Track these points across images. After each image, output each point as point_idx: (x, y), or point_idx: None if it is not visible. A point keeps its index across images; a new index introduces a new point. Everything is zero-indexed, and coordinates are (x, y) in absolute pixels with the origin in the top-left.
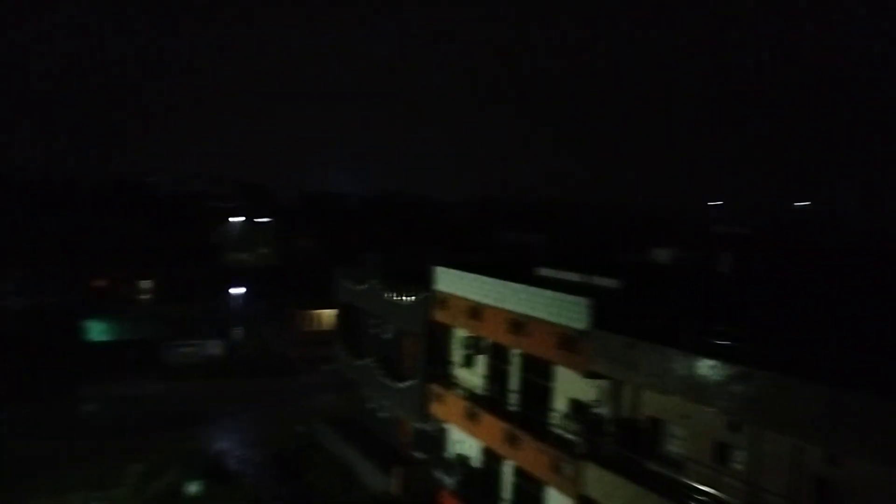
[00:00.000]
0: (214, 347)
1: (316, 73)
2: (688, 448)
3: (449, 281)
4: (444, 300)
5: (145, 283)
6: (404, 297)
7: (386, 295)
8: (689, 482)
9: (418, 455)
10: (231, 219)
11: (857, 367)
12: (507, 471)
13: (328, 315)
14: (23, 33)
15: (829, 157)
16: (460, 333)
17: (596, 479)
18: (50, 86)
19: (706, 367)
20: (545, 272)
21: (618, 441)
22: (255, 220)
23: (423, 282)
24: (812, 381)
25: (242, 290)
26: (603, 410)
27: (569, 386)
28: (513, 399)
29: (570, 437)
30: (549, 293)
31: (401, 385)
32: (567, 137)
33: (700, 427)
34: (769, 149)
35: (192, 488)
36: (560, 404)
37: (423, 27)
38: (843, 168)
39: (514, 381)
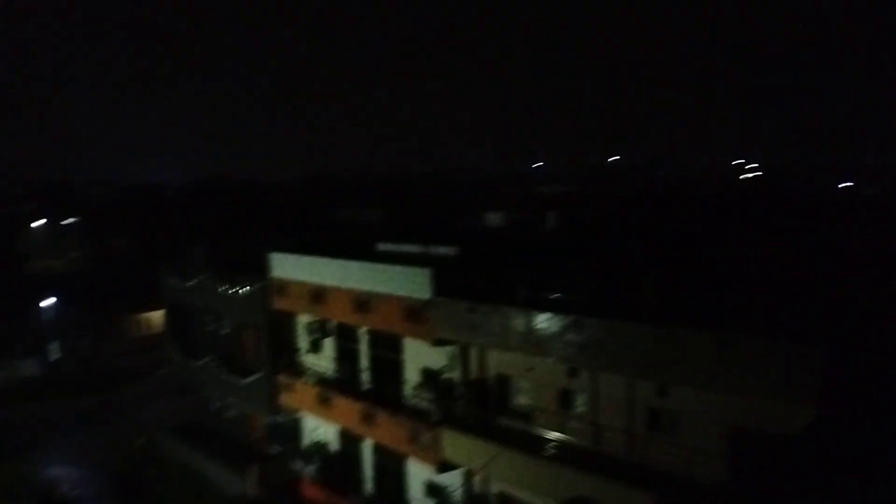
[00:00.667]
0: (29, 367)
1: (114, 55)
2: (535, 399)
3: (286, 266)
4: (282, 287)
5: None
6: (239, 289)
7: (218, 288)
8: (540, 432)
9: (273, 449)
10: (33, 222)
11: (676, 304)
12: (367, 450)
13: (156, 317)
14: None
15: (634, 113)
16: (304, 319)
17: (453, 442)
18: None
19: (541, 321)
20: (384, 247)
21: (469, 402)
22: (60, 221)
23: (257, 270)
24: (636, 322)
25: (53, 300)
26: (453, 375)
27: (418, 356)
28: (365, 378)
29: (424, 406)
30: (390, 267)
31: (246, 380)
32: (387, 110)
33: (543, 378)
34: (579, 108)
35: None
36: (412, 375)
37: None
38: (645, 123)
39: (364, 360)
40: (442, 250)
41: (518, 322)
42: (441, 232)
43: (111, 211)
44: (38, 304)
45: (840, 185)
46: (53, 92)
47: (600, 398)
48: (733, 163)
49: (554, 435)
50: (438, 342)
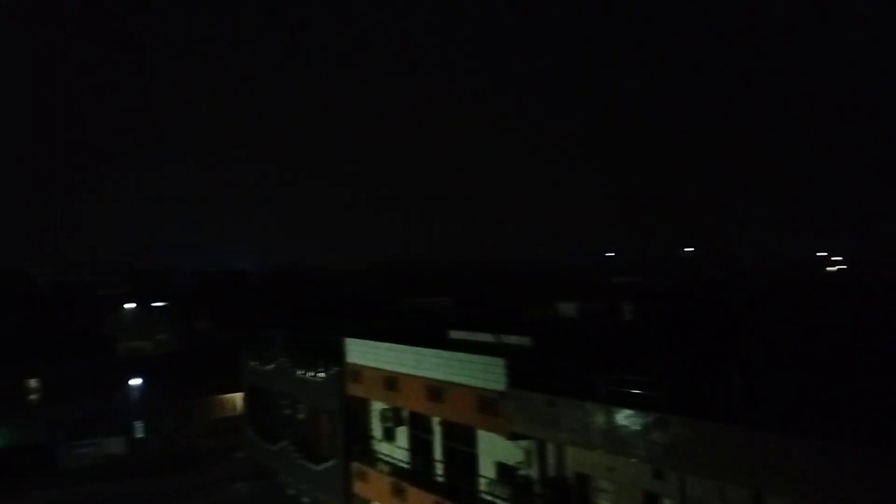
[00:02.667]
0: (115, 445)
1: (200, 147)
2: (617, 501)
3: (360, 352)
4: (357, 373)
5: (32, 382)
6: (315, 374)
7: (295, 373)
8: None
9: None
10: (123, 306)
11: (767, 405)
12: None
13: (235, 399)
14: None
15: (706, 206)
16: (378, 406)
17: None
18: None
19: (623, 418)
20: (456, 335)
21: (547, 502)
22: (149, 305)
23: (333, 355)
24: (726, 423)
25: (140, 380)
26: (529, 472)
27: (493, 450)
28: (438, 469)
29: (499, 502)
30: (462, 356)
31: (320, 467)
32: (458, 200)
33: (626, 478)
34: (653, 199)
35: None
36: (486, 470)
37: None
38: (720, 216)
39: (437, 451)
40: (515, 340)
41: (598, 418)
42: (513, 321)
43: (196, 296)
44: (125, 385)
45: None
46: (142, 178)
47: (689, 503)
48: (817, 254)
49: None
50: (514, 436)
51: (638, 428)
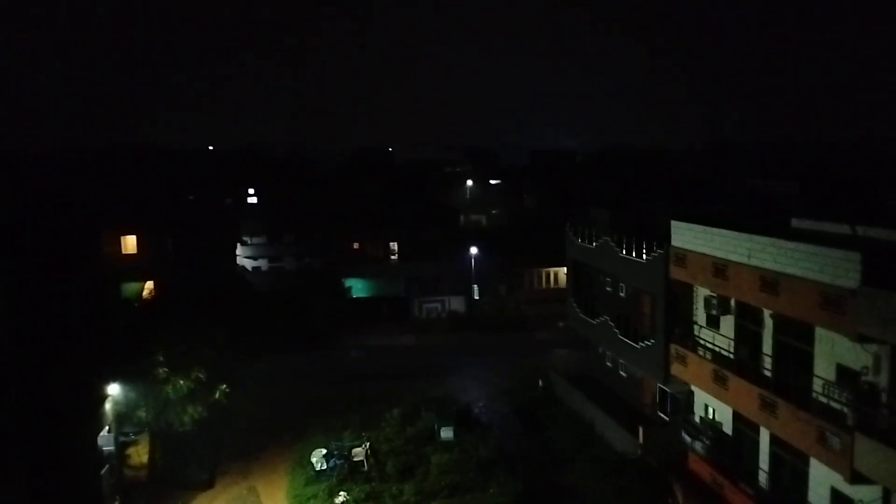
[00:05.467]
0: (456, 303)
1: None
2: None
3: (687, 236)
4: (681, 257)
5: (392, 245)
6: (639, 255)
7: (619, 253)
8: None
9: (662, 416)
10: (464, 183)
11: None
12: (763, 440)
13: (559, 273)
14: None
15: None
16: (703, 292)
17: (872, 454)
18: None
19: None
20: (801, 223)
21: None
22: (486, 182)
23: (658, 237)
24: None
25: (476, 249)
26: (876, 379)
27: (834, 350)
28: (766, 363)
29: (836, 406)
30: (808, 247)
31: (640, 345)
32: (809, 72)
33: None
34: None
35: (445, 433)
36: (824, 371)
37: None
38: None
39: (767, 344)
40: (876, 232)
41: None
42: (872, 211)
43: (526, 174)
44: (464, 252)
45: None
46: (475, 64)
47: None
48: None
49: None
50: (862, 338)
51: None
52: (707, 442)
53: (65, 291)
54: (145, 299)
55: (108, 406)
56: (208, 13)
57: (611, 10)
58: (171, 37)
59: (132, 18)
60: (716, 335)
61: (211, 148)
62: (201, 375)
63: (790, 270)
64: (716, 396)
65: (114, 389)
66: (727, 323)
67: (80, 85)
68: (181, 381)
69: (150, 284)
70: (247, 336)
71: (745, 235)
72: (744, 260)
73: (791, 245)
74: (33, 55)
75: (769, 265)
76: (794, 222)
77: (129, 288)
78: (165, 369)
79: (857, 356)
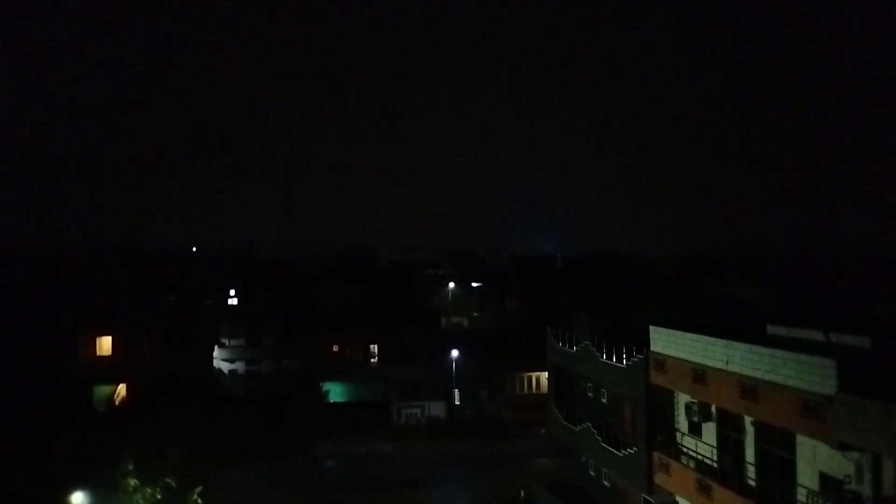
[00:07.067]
0: (436, 408)
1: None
2: None
3: (666, 341)
4: (661, 362)
5: (373, 348)
6: (619, 360)
7: (599, 358)
8: None
9: None
10: (446, 285)
11: None
12: None
13: (541, 377)
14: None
15: None
16: (684, 398)
17: None
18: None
19: None
20: (776, 330)
21: None
22: (467, 285)
23: (637, 343)
24: None
25: (457, 352)
26: (860, 488)
27: (816, 458)
28: (749, 472)
29: None
30: (784, 353)
31: (622, 452)
32: (782, 179)
33: None
34: None
35: None
36: (807, 479)
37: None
38: None
39: (749, 452)
40: (850, 340)
41: None
42: (847, 318)
43: (508, 278)
44: (445, 355)
45: None
46: (472, 168)
47: None
48: None
49: None
50: (842, 446)
51: None
52: None
53: (34, 395)
54: (117, 405)
55: None
56: (194, 119)
57: (592, 119)
58: (157, 137)
59: (116, 117)
60: (698, 443)
61: (195, 249)
62: (172, 482)
63: (768, 377)
64: None
65: (77, 499)
66: (709, 430)
67: (61, 182)
68: (149, 490)
69: (122, 388)
70: (220, 443)
71: (722, 341)
72: (722, 366)
73: (767, 351)
74: (6, 149)
75: (747, 371)
76: (770, 328)
77: (101, 391)
78: (135, 480)
79: (840, 464)
